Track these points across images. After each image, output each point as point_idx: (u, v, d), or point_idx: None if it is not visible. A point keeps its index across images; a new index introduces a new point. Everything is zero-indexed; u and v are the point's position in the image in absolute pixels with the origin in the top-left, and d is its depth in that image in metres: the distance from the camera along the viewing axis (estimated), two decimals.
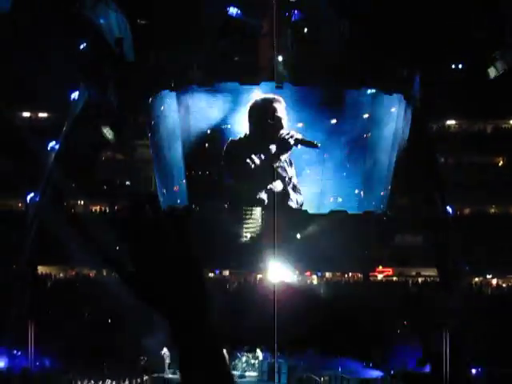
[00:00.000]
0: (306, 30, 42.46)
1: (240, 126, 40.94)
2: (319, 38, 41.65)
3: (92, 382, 32.62)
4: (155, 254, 2.13)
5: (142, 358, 33.19)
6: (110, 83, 41.29)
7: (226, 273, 44.24)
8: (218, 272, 44.19)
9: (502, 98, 40.90)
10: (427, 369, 33.54)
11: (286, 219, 39.41)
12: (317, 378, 32.17)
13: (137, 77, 40.93)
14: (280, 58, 41.32)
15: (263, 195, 41.05)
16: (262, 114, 40.15)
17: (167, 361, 32.64)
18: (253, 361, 35.75)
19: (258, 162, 40.68)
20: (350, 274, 44.66)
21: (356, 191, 41.79)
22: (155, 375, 32.32)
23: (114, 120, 42.40)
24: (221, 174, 41.60)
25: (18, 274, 35.33)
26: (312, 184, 41.62)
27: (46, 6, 35.26)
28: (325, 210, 41.28)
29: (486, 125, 47.47)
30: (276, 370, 33.01)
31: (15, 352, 34.66)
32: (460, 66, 43.72)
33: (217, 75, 40.85)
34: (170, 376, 32.01)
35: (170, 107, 41.52)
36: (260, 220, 41.65)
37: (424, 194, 40.62)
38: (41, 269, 39.48)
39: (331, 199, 41.57)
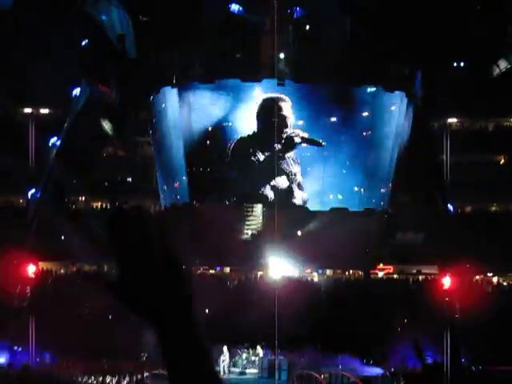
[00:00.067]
0: (307, 27, 42.45)
1: (241, 123, 40.97)
2: (321, 35, 41.64)
3: (92, 378, 32.69)
4: (138, 261, 2.13)
5: (142, 354, 33.23)
6: (112, 80, 41.31)
7: (227, 270, 44.26)
8: (219, 269, 44.22)
9: (504, 96, 40.86)
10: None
11: (288, 216, 39.46)
12: (317, 376, 32.20)
13: (138, 73, 40.92)
14: (282, 56, 41.33)
15: (268, 192, 41.19)
16: (268, 113, 40.25)
17: None
18: (253, 358, 35.81)
19: (263, 159, 40.81)
20: (351, 271, 44.68)
21: (356, 188, 41.84)
22: (156, 371, 32.38)
23: (115, 116, 42.44)
24: (222, 170, 41.63)
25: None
26: (312, 181, 41.66)
27: (48, 3, 35.26)
28: (325, 208, 41.32)
29: (487, 123, 47.42)
30: (276, 367, 33.07)
31: (16, 348, 34.72)
32: (462, 64, 43.69)
33: (218, 72, 40.85)
34: None
35: (171, 104, 41.52)
36: (261, 217, 41.69)
37: (425, 191, 40.63)
38: (41, 265, 39.50)
39: (331, 196, 41.63)
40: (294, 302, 33.48)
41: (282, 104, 40.72)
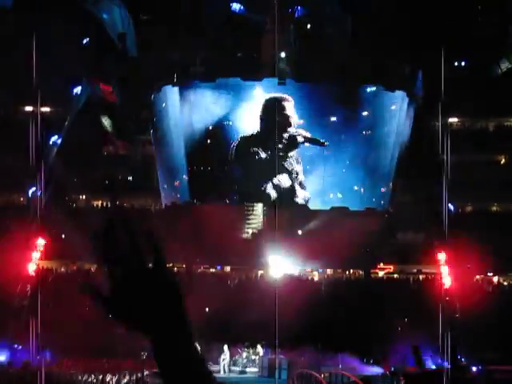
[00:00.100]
0: (309, 26, 42.45)
1: (242, 122, 40.98)
2: (322, 34, 41.64)
3: (92, 376, 32.69)
4: (130, 275, 2.11)
5: (142, 352, 33.21)
6: (113, 78, 41.32)
7: (228, 268, 44.23)
8: (219, 268, 44.19)
9: (505, 96, 40.84)
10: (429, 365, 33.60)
11: (289, 215, 39.49)
12: (317, 375, 32.19)
13: (139, 72, 40.93)
14: (283, 55, 41.32)
15: (271, 191, 41.22)
16: (271, 112, 40.26)
17: None
18: (253, 356, 35.81)
19: (266, 158, 40.83)
20: (351, 270, 44.64)
21: (356, 187, 41.86)
22: (156, 370, 32.33)
23: (116, 115, 42.46)
24: (223, 169, 41.64)
25: None
26: (313, 180, 41.68)
27: (49, 1, 35.26)
28: (325, 207, 41.33)
29: (488, 123, 47.40)
30: (276, 366, 33.07)
31: (16, 346, 34.72)
32: (463, 64, 43.67)
33: (219, 71, 40.85)
34: None
35: (172, 103, 41.54)
36: (262, 216, 41.71)
37: (426, 191, 40.60)
38: (42, 263, 39.50)
39: (331, 195, 41.65)
40: (294, 301, 33.46)
41: (285, 103, 40.73)
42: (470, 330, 33.29)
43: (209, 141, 41.44)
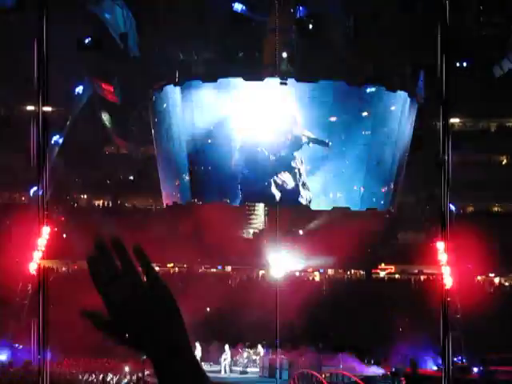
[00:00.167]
0: (310, 26, 42.42)
1: (244, 122, 40.94)
2: (324, 34, 41.62)
3: (93, 376, 32.69)
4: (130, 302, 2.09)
5: None
6: (115, 78, 41.32)
7: (229, 268, 44.24)
8: (220, 268, 44.21)
9: (506, 97, 40.85)
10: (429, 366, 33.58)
11: (290, 215, 39.49)
12: (318, 375, 32.18)
13: (141, 72, 40.93)
14: (284, 55, 41.29)
15: (275, 191, 41.21)
16: (275, 112, 40.22)
17: None
18: (254, 357, 35.81)
19: (270, 158, 40.79)
20: (353, 270, 44.64)
21: (355, 187, 41.86)
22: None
23: (117, 114, 42.46)
24: (224, 169, 41.61)
25: None
26: (313, 180, 41.67)
27: (52, 1, 35.22)
28: (325, 206, 41.32)
29: (489, 123, 47.41)
30: (277, 366, 33.06)
31: (17, 346, 34.72)
32: (465, 65, 43.64)
33: (221, 71, 40.84)
34: None
35: (174, 102, 41.54)
36: (263, 216, 41.72)
37: (427, 191, 40.59)
38: (43, 263, 39.50)
39: (331, 195, 41.64)
40: (295, 301, 33.46)
41: (290, 103, 40.62)
42: (471, 331, 33.27)
43: (210, 140, 41.43)
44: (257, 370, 35.10)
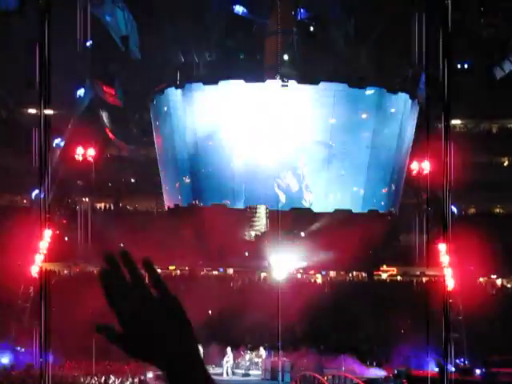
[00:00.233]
0: (311, 28, 42.45)
1: (245, 124, 40.93)
2: (325, 36, 41.64)
3: (95, 378, 32.70)
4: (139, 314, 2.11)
5: None
6: (116, 81, 41.35)
7: (230, 271, 44.25)
8: (222, 270, 44.21)
9: (508, 98, 40.84)
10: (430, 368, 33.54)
11: (292, 218, 39.49)
12: (320, 377, 32.18)
13: (142, 74, 40.96)
14: (285, 57, 41.30)
15: (279, 193, 41.17)
16: (277, 114, 40.20)
17: None
18: (256, 359, 35.80)
19: (273, 161, 40.76)
20: (354, 272, 44.63)
21: (355, 189, 41.85)
22: (159, 372, 32.33)
23: (118, 117, 42.48)
24: (225, 171, 41.59)
25: None
26: (313, 181, 41.67)
27: (54, 4, 35.26)
28: (326, 208, 41.29)
29: (491, 125, 47.40)
30: (279, 368, 33.07)
31: (19, 348, 34.72)
32: (466, 66, 43.65)
33: (222, 73, 40.84)
34: None
35: (175, 105, 41.56)
36: (265, 218, 41.71)
37: (429, 193, 40.53)
38: (45, 265, 39.51)
39: (331, 196, 41.62)
40: (297, 303, 33.47)
41: (292, 105, 40.58)
42: (473, 333, 33.24)
43: (211, 143, 41.42)
44: (259, 372, 35.10)
